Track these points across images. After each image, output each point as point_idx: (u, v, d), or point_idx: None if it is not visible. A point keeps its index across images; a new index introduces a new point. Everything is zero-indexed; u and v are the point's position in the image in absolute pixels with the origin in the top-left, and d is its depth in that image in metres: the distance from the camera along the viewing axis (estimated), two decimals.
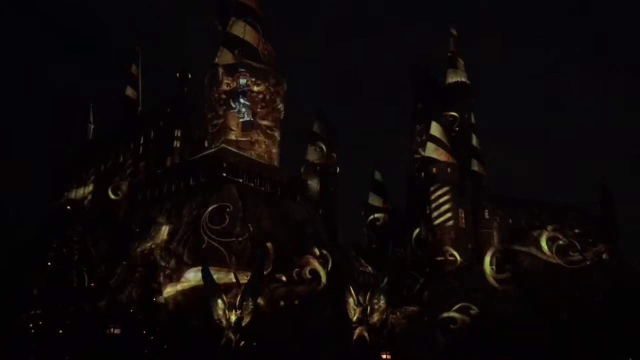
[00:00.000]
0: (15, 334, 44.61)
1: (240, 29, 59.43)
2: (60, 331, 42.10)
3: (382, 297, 43.61)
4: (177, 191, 49.31)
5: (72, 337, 40.77)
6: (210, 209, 44.13)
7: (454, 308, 50.66)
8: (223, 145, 50.48)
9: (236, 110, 56.29)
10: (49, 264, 47.89)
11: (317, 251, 44.29)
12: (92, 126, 67.40)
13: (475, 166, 62.24)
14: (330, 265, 43.90)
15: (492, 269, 54.49)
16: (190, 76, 59.78)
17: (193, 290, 40.85)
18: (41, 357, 40.49)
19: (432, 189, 58.54)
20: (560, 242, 56.59)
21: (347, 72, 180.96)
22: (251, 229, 44.13)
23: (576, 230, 60.99)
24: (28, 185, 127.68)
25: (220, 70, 57.56)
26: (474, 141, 64.49)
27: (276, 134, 58.13)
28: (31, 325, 44.39)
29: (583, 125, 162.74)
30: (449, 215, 57.47)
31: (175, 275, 42.88)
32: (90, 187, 58.90)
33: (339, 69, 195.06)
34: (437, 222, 57.47)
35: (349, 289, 43.19)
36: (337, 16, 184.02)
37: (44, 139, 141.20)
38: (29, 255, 51.62)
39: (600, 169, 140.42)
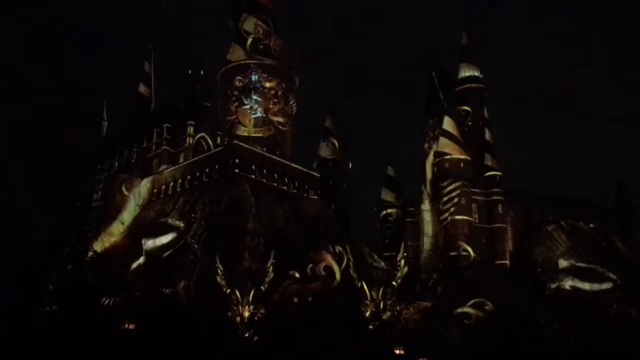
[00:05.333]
0: (31, 330, 45.04)
1: (252, 25, 59.53)
2: (76, 327, 42.38)
3: (395, 292, 43.57)
4: (190, 188, 49.48)
5: (88, 333, 41.04)
6: (223, 205, 44.24)
7: (469, 303, 50.44)
8: (235, 141, 50.56)
9: (248, 106, 56.43)
10: (64, 260, 48.26)
11: (331, 248, 44.21)
12: (106, 123, 67.70)
13: (488, 160, 61.86)
14: (345, 263, 43.85)
15: None
16: (202, 73, 59.80)
17: (206, 285, 40.98)
18: (57, 353, 40.80)
19: (445, 183, 58.27)
20: (576, 237, 56.17)
21: (358, 66, 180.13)
22: (264, 225, 44.17)
23: (591, 225, 60.51)
24: (43, 182, 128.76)
25: (232, 66, 57.51)
26: (487, 135, 64.06)
27: (288, 129, 58.09)
28: (47, 322, 44.77)
29: (598, 119, 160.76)
30: (462, 210, 57.19)
31: (188, 271, 43.07)
32: (103, 184, 59.11)
33: (349, 63, 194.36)
34: (450, 217, 57.21)
35: (363, 284, 43.12)
36: (344, 8, 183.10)
37: (57, 136, 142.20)
38: (45, 252, 52.05)
39: (615, 163, 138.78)
